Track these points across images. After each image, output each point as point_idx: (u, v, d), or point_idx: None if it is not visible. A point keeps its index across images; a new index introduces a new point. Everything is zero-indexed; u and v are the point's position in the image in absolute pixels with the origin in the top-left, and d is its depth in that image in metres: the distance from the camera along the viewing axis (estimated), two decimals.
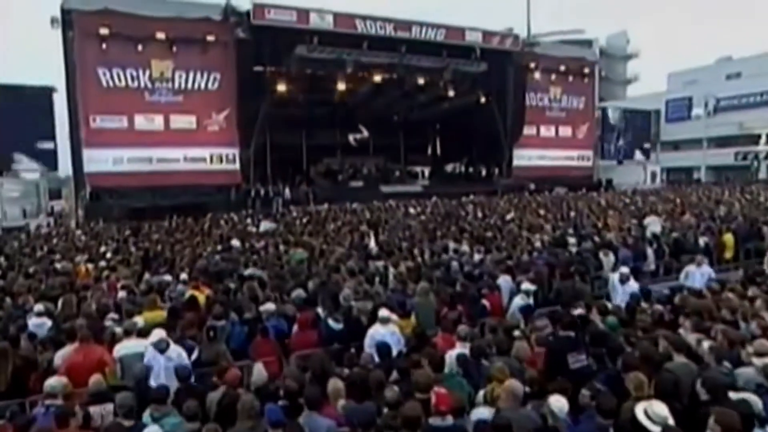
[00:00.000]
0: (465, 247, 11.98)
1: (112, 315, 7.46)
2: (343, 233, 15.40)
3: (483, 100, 34.44)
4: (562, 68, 36.79)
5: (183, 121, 27.70)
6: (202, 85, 28.05)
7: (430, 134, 43.56)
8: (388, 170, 37.15)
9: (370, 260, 10.99)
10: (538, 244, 11.92)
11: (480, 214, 19.75)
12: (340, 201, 27.13)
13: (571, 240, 12.54)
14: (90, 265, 10.64)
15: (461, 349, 5.84)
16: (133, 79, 26.65)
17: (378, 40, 29.78)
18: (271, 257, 11.32)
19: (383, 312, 6.94)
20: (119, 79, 26.41)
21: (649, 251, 12.17)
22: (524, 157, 36.99)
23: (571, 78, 37.32)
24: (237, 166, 28.74)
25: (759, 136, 39.87)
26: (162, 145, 27.15)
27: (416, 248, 12.04)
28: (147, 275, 10.27)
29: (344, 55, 29.13)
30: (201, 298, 8.38)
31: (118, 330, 6.67)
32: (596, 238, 13.15)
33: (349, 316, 7.43)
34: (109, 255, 12.30)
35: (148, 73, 26.89)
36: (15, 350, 6.02)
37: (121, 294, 8.59)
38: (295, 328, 7.16)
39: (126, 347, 6.16)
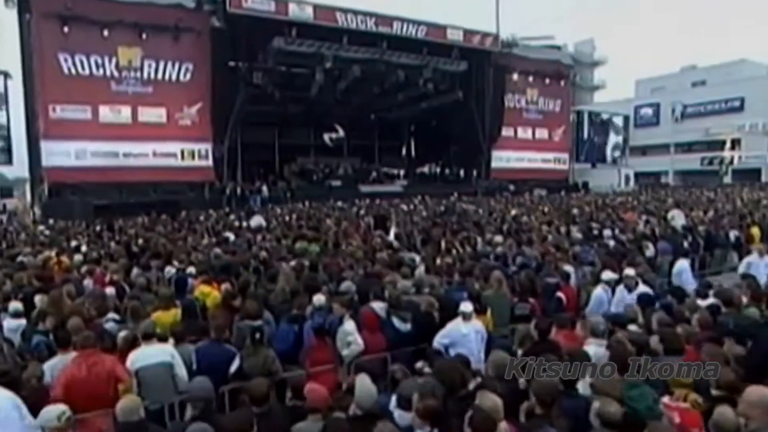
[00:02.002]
0: (498, 238, 10.66)
1: (112, 315, 5.72)
2: (343, 228, 13.84)
3: (462, 99, 33.43)
4: (539, 71, 36.42)
5: (152, 114, 25.55)
6: (173, 76, 26.02)
7: (405, 135, 42.37)
8: (364, 171, 35.70)
9: (400, 253, 9.51)
10: (578, 235, 10.70)
11: (480, 211, 18.57)
12: (318, 200, 25.72)
13: (606, 232, 11.47)
14: (65, 259, 8.69)
15: (597, 347, 4.51)
16: (97, 66, 24.31)
17: (358, 35, 28.47)
18: (281, 250, 9.64)
19: (466, 306, 5.58)
20: (82, 67, 24.01)
21: (685, 244, 11.27)
22: (502, 159, 36.35)
23: (547, 81, 37.00)
24: (210, 162, 26.77)
25: (724, 142, 40.74)
26: (129, 138, 24.90)
27: (443, 240, 10.62)
28: (135, 270, 8.47)
29: (323, 49, 27.56)
30: (214, 294, 6.74)
31: (124, 334, 4.95)
32: (622, 232, 12.15)
33: (417, 314, 5.95)
34: (84, 248, 10.29)
35: (114, 60, 24.61)
36: None
37: (109, 290, 6.78)
38: (349, 325, 5.57)
39: (145, 356, 4.47)
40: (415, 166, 41.46)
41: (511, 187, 34.13)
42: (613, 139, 42.58)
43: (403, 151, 42.95)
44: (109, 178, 24.27)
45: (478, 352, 5.43)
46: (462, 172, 37.60)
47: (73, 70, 23.77)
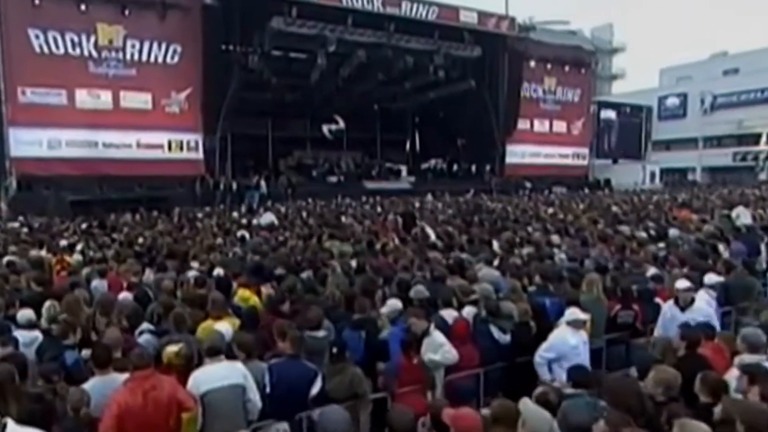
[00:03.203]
0: (555, 237, 10.21)
1: (147, 326, 5.11)
2: (368, 226, 13.38)
3: (475, 88, 32.94)
4: (558, 57, 36.00)
5: (136, 100, 24.77)
6: (160, 58, 25.26)
7: (409, 128, 41.85)
8: (366, 166, 35.15)
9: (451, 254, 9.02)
10: (643, 234, 10.26)
11: (509, 209, 18.18)
12: (321, 197, 25.15)
13: (672, 232, 11.03)
14: (69, 259, 8.04)
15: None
16: (74, 45, 23.42)
17: (364, 16, 27.74)
18: (313, 250, 9.09)
19: (575, 313, 5.21)
20: (56, 45, 23.13)
21: (761, 246, 10.85)
22: (517, 154, 35.93)
23: (566, 68, 36.63)
24: (200, 155, 26.10)
25: (759, 136, 40.50)
26: (110, 126, 24.09)
27: (494, 240, 10.13)
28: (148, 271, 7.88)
29: (326, 31, 26.90)
30: (254, 299, 6.30)
31: (172, 349, 4.35)
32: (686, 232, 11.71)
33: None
34: (79, 246, 9.63)
35: (93, 39, 23.72)
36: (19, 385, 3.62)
37: (124, 295, 6.19)
38: (438, 336, 5.05)
39: (212, 377, 3.89)
40: (419, 161, 40.96)
41: (528, 185, 33.72)
42: (635, 132, 42.28)
43: (407, 145, 42.45)
44: (87, 170, 23.52)
45: None
46: (473, 168, 37.07)
47: (45, 49, 22.85)
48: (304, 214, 17.21)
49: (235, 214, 17.31)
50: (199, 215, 17.12)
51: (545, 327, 5.58)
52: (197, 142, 25.99)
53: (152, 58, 25.03)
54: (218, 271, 7.48)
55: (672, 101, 46.96)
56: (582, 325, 5.14)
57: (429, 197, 25.75)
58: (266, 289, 6.51)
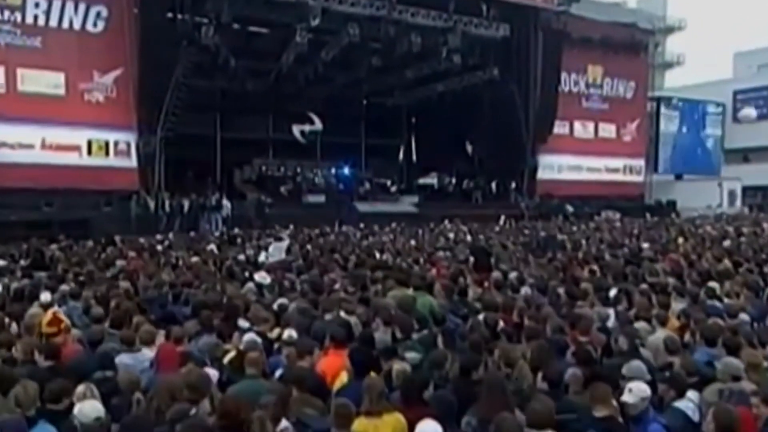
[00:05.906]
0: (714, 285, 10.03)
1: (286, 424, 4.57)
2: (425, 267, 13.30)
3: (498, 79, 33.23)
4: (606, 39, 36.81)
5: (41, 81, 24.45)
6: (77, 24, 25.17)
7: (404, 131, 42.60)
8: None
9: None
10: None
11: (584, 242, 18.45)
12: (300, 222, 25.03)
13: None
14: (63, 317, 7.33)
15: None
16: None
17: None
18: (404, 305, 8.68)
19: None
20: None
21: None
22: (552, 167, 36.43)
23: (617, 54, 37.40)
24: (133, 162, 25.82)
25: None
26: (2, 118, 23.60)
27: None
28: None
29: None
30: None
31: None
32: None
33: None
34: (46, 297, 8.86)
35: None
36: None
37: (214, 372, 5.63)
38: None
39: None
40: (415, 175, 41.17)
41: (570, 208, 33.97)
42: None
43: (399, 153, 42.95)
44: None
45: None
46: (493, 186, 37.30)
47: None
48: (309, 247, 16.84)
49: (211, 246, 16.69)
50: (159, 247, 16.50)
51: None
52: (129, 143, 25.75)
53: (65, 24, 24.92)
54: (289, 333, 6.90)
55: (751, 97, 47.80)
56: None
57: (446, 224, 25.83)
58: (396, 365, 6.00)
